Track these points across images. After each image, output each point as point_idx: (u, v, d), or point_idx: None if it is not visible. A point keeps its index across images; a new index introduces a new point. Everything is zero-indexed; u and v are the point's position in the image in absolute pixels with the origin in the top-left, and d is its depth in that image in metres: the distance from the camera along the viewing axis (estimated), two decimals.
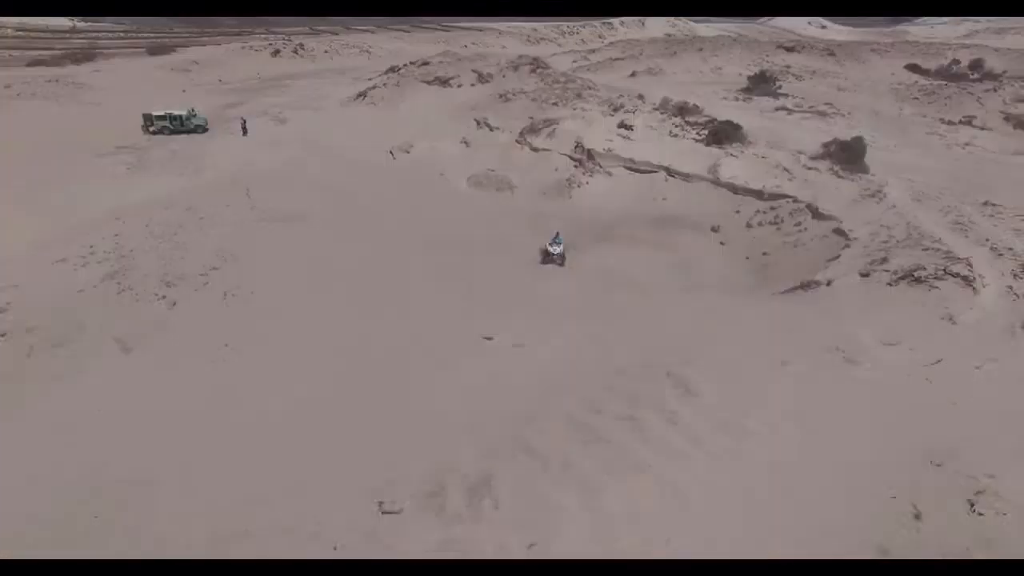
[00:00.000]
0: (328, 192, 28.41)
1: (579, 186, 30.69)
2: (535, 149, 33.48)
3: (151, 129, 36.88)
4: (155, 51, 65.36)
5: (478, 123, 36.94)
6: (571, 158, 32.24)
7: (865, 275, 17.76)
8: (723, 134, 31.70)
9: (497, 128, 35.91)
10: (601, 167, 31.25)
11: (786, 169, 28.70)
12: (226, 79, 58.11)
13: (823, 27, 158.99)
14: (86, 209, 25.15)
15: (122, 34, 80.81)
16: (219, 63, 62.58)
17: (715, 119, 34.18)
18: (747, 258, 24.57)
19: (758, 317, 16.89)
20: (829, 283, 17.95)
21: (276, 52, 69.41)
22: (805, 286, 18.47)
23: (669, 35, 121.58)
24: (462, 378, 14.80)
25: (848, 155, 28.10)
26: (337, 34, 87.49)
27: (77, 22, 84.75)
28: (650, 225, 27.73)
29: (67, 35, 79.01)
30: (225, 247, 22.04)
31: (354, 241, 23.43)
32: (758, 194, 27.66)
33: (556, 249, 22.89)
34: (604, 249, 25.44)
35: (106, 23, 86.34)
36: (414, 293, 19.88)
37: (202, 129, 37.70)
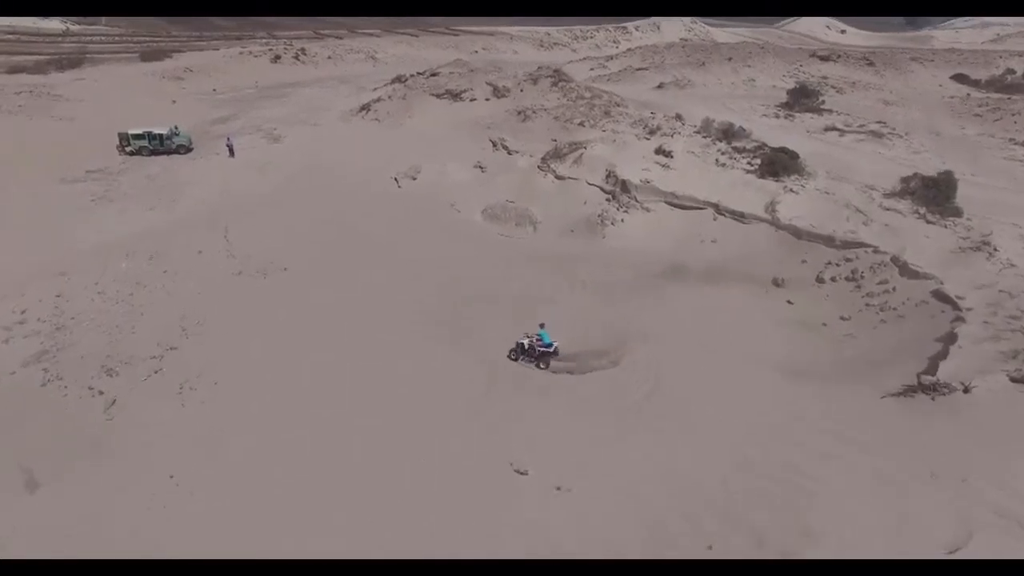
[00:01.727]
0: (321, 232, 24.29)
1: (612, 223, 26.44)
2: (560, 177, 29.26)
3: (127, 149, 32.93)
4: (148, 57, 61.50)
5: (494, 144, 32.78)
6: (602, 189, 28.00)
7: (1019, 381, 13.44)
8: (779, 164, 27.37)
9: (516, 151, 31.72)
10: (638, 201, 26.99)
11: (859, 209, 24.36)
12: (221, 88, 54.27)
13: (843, 32, 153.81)
14: (32, 255, 21.12)
15: (116, 38, 77.03)
16: (215, 70, 58.66)
17: (765, 144, 29.86)
18: (824, 325, 20.24)
19: (882, 441, 12.60)
20: (967, 389, 13.63)
21: (276, 58, 65.49)
22: (928, 389, 14.16)
23: (685, 40, 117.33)
24: (494, 551, 10.53)
25: (935, 194, 23.72)
26: (341, 38, 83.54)
27: (71, 25, 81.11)
28: (699, 275, 23.46)
29: (59, 39, 75.33)
30: (190, 313, 17.94)
31: (347, 301, 19.26)
32: (828, 240, 23.30)
33: (523, 339, 17.07)
34: (645, 305, 21.26)
35: (101, 26, 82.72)
36: (421, 380, 15.67)
37: (185, 149, 33.75)
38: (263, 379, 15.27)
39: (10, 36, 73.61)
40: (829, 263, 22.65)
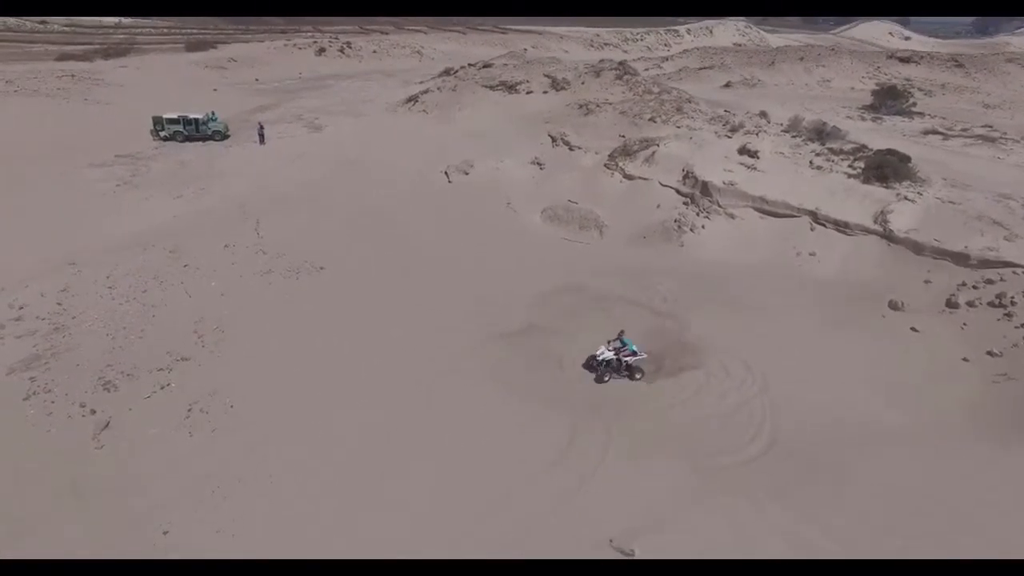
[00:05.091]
0: (363, 230, 21.57)
1: (691, 230, 22.98)
2: (629, 177, 25.95)
3: (162, 134, 30.99)
4: (193, 47, 60.68)
5: (553, 139, 29.67)
6: (678, 192, 24.58)
7: None
8: (888, 168, 23.49)
9: (578, 147, 28.53)
10: (721, 206, 23.48)
11: (996, 221, 20.35)
12: (264, 78, 52.76)
13: (907, 39, 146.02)
14: (44, 243, 18.91)
15: (164, 30, 77.02)
16: (258, 61, 57.35)
17: (865, 146, 25.98)
18: (965, 360, 16.41)
19: None
20: None
21: (321, 50, 64.04)
22: None
23: (739, 44, 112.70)
24: None
25: None
26: (387, 34, 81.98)
27: (122, 17, 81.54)
28: (796, 295, 19.79)
29: (111, 30, 75.62)
30: (209, 316, 15.30)
31: (389, 315, 16.31)
32: (959, 258, 19.38)
33: (604, 353, 14.21)
34: (736, 330, 17.72)
35: (151, 19, 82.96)
36: (483, 428, 12.39)
37: (220, 136, 31.68)
38: (288, 406, 12.42)
39: (67, 28, 74.27)
40: (963, 284, 18.70)
